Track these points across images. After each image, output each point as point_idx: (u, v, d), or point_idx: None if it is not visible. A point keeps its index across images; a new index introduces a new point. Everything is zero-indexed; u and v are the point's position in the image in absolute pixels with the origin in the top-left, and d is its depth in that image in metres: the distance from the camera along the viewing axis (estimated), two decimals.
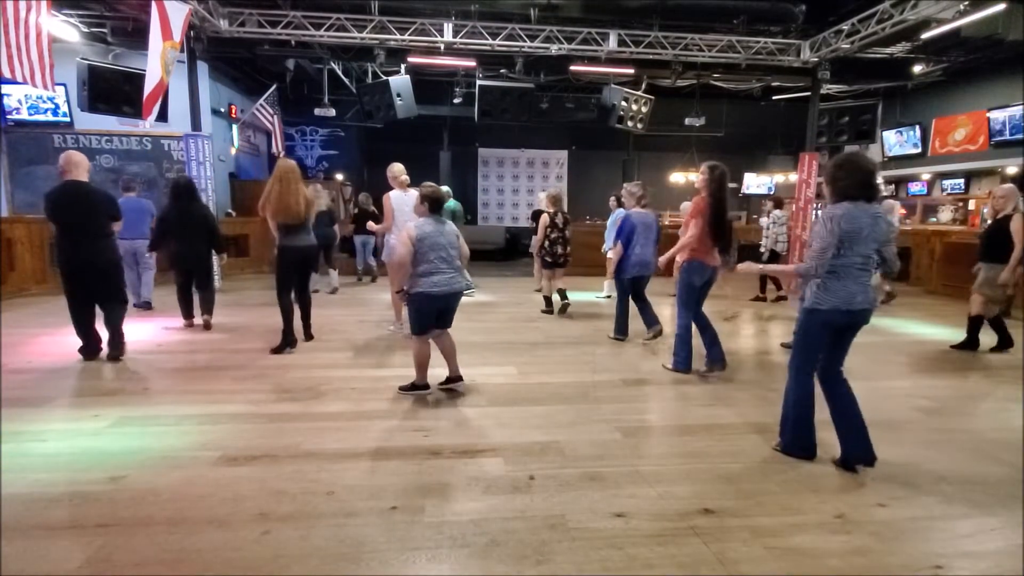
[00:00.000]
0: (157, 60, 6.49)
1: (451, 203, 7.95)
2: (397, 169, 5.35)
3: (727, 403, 3.79)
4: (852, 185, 2.64)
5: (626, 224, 5.19)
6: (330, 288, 8.05)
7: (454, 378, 3.84)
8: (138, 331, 5.40)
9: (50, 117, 10.07)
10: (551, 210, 6.56)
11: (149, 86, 6.53)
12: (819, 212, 2.52)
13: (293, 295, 4.87)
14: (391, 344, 5.19)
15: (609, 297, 7.73)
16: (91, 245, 4.30)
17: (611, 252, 7.43)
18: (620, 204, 7.45)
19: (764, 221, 8.17)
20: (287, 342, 4.84)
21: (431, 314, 3.59)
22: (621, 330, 5.48)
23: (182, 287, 5.63)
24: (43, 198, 4.30)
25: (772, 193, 14.71)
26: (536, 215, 7.85)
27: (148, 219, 6.23)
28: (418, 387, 3.77)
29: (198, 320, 5.71)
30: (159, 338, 5.27)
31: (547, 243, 6.56)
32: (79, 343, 4.46)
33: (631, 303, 5.47)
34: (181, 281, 5.62)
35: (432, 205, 3.62)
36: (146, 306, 6.50)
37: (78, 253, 4.27)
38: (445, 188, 8.03)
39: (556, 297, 6.77)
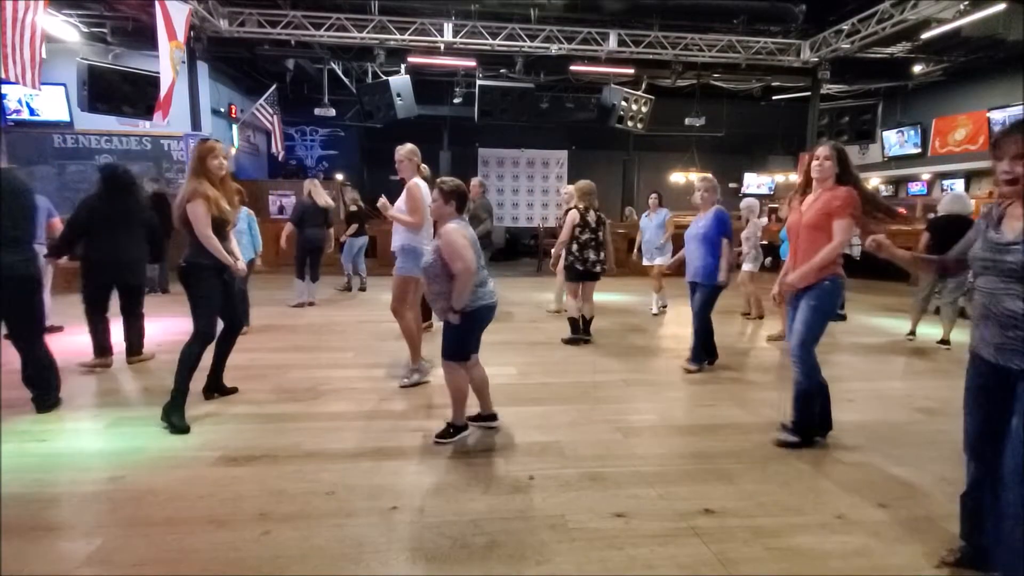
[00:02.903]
0: (167, 60, 6.50)
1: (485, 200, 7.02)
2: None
3: (728, 403, 3.79)
4: None
5: (724, 217, 4.31)
6: (309, 299, 7.03)
7: (489, 415, 3.24)
8: None
9: (50, 117, 10.07)
10: (581, 206, 5.23)
11: (164, 86, 6.55)
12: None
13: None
14: (391, 344, 5.18)
15: (663, 308, 6.99)
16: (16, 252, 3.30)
17: (663, 260, 6.57)
18: (661, 203, 6.77)
19: None
20: (217, 386, 3.69)
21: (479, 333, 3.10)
22: (707, 354, 4.53)
23: (97, 307, 4.24)
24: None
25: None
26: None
27: (45, 220, 4.73)
28: (459, 428, 3.07)
29: (116, 354, 4.36)
30: (157, 338, 5.27)
31: (576, 247, 5.16)
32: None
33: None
34: (97, 299, 4.25)
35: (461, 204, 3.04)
36: (57, 328, 5.30)
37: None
38: (476, 180, 6.85)
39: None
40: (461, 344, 3.00)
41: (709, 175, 4.43)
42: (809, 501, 2.51)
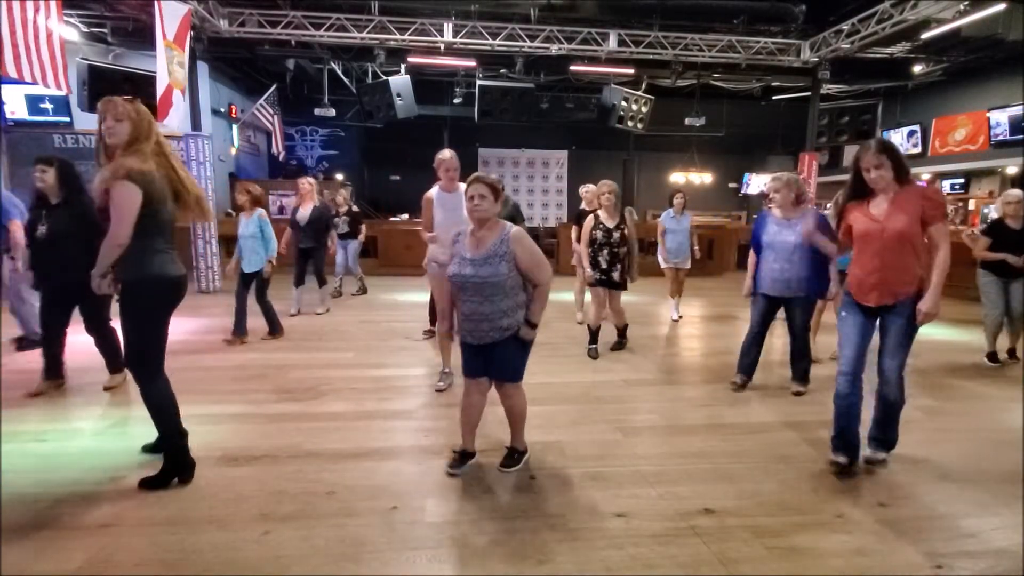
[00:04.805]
0: (163, 61, 6.51)
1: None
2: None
3: (729, 403, 3.79)
4: None
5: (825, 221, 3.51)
6: (324, 307, 6.76)
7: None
8: None
9: (50, 117, 10.07)
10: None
11: (160, 89, 6.57)
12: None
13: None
14: (391, 344, 5.18)
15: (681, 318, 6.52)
16: None
17: (687, 264, 6.14)
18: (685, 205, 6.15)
19: None
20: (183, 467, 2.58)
21: None
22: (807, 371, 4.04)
23: (60, 324, 3.67)
24: None
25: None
26: (582, 216, 5.43)
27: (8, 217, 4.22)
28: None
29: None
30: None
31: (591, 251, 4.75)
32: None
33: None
34: (60, 317, 3.65)
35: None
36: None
37: None
38: (495, 176, 6.75)
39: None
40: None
41: (783, 173, 3.82)
42: (809, 501, 2.51)
